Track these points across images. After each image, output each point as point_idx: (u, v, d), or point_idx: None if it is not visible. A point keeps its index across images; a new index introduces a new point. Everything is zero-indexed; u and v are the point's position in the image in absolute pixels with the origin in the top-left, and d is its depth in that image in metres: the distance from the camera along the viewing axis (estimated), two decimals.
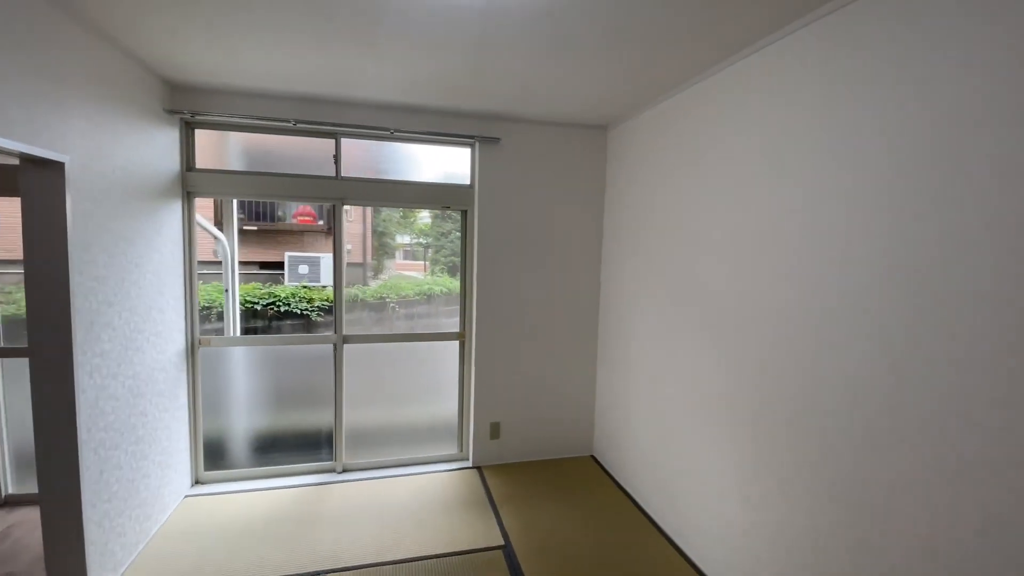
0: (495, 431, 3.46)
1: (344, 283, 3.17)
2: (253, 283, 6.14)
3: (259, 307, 5.14)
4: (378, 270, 7.20)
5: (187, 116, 2.74)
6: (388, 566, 2.38)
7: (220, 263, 3.74)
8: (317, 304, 5.95)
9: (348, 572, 2.33)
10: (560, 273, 3.48)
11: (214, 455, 3.16)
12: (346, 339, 3.22)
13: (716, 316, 2.31)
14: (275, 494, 2.98)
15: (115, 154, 2.20)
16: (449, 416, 3.53)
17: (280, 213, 7.18)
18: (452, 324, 3.51)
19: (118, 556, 2.22)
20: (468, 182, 3.34)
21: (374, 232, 7.13)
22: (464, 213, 3.39)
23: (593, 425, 3.68)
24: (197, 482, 3.06)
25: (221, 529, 2.62)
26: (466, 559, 2.46)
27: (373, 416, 3.41)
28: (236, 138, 3.05)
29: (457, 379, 3.51)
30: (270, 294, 5.33)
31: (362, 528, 2.67)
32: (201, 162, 2.95)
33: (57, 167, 1.84)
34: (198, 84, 2.71)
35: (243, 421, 3.26)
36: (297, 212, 7.24)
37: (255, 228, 7.01)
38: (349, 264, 7.60)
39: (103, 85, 2.11)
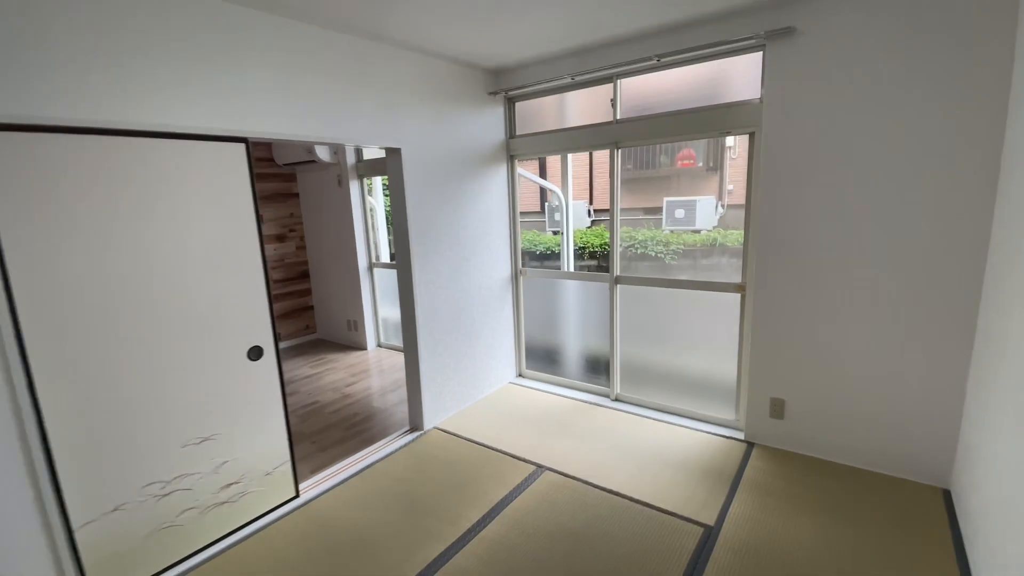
0: (777, 409, 2.81)
1: (617, 229, 3.29)
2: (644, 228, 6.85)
3: (591, 249, 5.88)
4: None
5: (506, 93, 3.50)
6: (591, 487, 2.59)
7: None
8: (674, 247, 6.09)
9: (560, 475, 2.70)
10: (906, 211, 2.32)
11: (528, 357, 4.09)
12: (617, 280, 3.37)
13: None
14: (558, 399, 3.62)
15: (440, 135, 3.17)
16: (727, 378, 3.12)
17: (663, 159, 7.48)
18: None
19: (447, 404, 3.42)
20: (757, 96, 2.68)
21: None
22: (751, 137, 2.75)
23: (955, 445, 2.37)
24: (520, 375, 4.09)
25: (514, 408, 3.50)
26: (660, 518, 2.34)
27: (647, 356, 3.45)
28: (544, 103, 3.61)
29: (736, 338, 3.02)
30: (602, 239, 5.98)
31: (596, 450, 2.93)
32: (520, 130, 3.70)
33: (398, 152, 2.92)
34: (508, 65, 3.38)
35: (551, 336, 4.02)
36: (680, 155, 7.33)
37: (634, 176, 7.63)
38: (731, 205, 7.14)
39: (430, 89, 3.07)
